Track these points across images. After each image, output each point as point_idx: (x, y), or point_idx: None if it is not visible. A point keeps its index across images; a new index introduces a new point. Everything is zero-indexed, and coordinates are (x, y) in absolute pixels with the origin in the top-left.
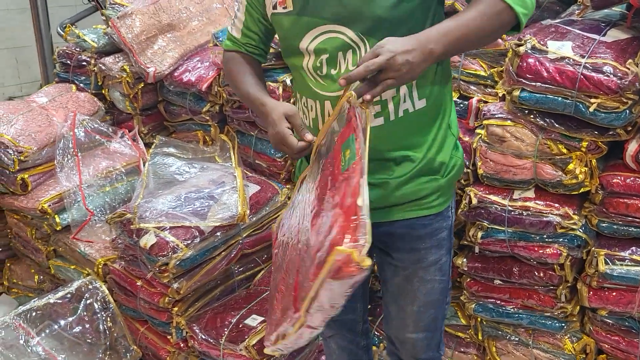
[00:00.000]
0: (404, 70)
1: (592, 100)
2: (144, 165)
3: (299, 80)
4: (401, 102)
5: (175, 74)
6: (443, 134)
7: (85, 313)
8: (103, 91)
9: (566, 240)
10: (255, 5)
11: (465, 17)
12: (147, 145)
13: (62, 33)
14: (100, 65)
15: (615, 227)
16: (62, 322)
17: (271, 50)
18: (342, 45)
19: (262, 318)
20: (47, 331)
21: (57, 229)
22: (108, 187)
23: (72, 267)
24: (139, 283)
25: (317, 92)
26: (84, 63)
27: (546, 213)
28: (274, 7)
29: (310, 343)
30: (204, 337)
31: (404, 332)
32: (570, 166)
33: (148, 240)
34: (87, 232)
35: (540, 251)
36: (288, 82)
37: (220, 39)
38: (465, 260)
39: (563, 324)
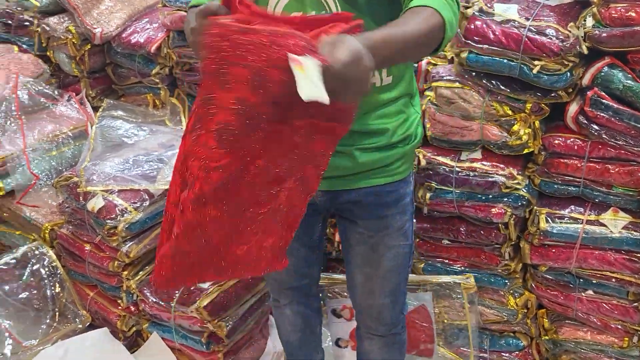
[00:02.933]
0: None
1: (536, 62)
2: (91, 129)
3: None
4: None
5: (123, 35)
6: (408, 110)
7: (31, 279)
8: (48, 53)
9: (510, 200)
10: None
11: (411, 29)
12: (95, 109)
13: None
14: (44, 25)
15: (555, 186)
16: (7, 289)
17: None
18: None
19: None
20: None
21: (1, 194)
22: (54, 151)
23: (18, 232)
24: (87, 247)
25: None
26: (27, 23)
27: (492, 173)
28: None
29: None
30: (155, 300)
31: (370, 299)
32: (515, 127)
33: (96, 204)
34: (33, 197)
35: (486, 211)
36: None
37: (171, 0)
38: (414, 221)
39: (506, 281)
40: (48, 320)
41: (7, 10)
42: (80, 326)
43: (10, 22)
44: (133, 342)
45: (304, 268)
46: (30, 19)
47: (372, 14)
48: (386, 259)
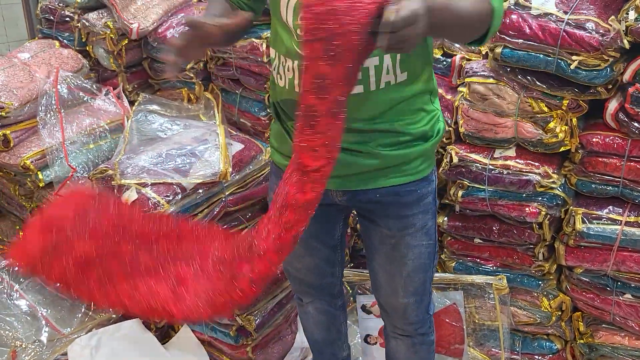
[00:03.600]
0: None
1: (574, 57)
2: (127, 123)
3: (276, 36)
4: (384, 73)
5: (159, 30)
6: (428, 107)
7: None
8: (87, 48)
9: (545, 199)
10: None
11: (464, 3)
12: (132, 103)
13: None
14: (84, 21)
15: (593, 186)
16: None
17: None
18: None
19: None
20: (30, 285)
21: (40, 185)
22: (92, 144)
23: None
24: None
25: (296, 50)
26: (67, 19)
27: (526, 172)
28: None
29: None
30: None
31: (394, 298)
32: (551, 125)
33: (129, 196)
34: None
35: (520, 210)
36: None
37: None
38: (445, 219)
39: (540, 282)
40: (83, 309)
41: (50, 6)
42: (113, 316)
43: (52, 18)
44: (164, 334)
45: (325, 267)
46: (71, 14)
47: None
48: (409, 258)
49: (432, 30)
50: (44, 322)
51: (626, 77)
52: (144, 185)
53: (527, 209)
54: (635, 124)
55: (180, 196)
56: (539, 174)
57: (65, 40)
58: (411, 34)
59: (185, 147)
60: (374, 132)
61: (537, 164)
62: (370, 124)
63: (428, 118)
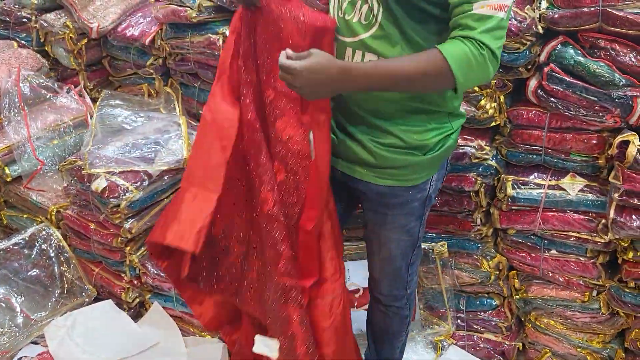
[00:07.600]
0: (300, 91)
1: None
2: (91, 119)
3: None
4: None
5: (119, 29)
6: (438, 124)
7: (39, 258)
8: (46, 48)
9: (480, 170)
10: None
11: (405, 65)
12: (94, 100)
13: None
14: (42, 21)
15: (520, 155)
16: (17, 267)
17: (210, 3)
18: None
19: None
20: (2, 277)
21: (8, 180)
22: (57, 139)
23: (25, 216)
24: (92, 226)
25: (337, 36)
26: (25, 20)
27: (462, 145)
28: None
29: None
30: (156, 272)
31: (372, 271)
32: (482, 102)
33: (99, 184)
34: (39, 182)
35: (458, 180)
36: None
37: None
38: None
39: (479, 245)
40: (56, 296)
41: (5, 8)
42: (86, 300)
43: (8, 19)
44: (137, 313)
45: None
46: (28, 15)
47: (411, 27)
48: (386, 247)
49: (371, 88)
50: (18, 309)
51: (542, 58)
52: (112, 173)
53: (464, 179)
54: (552, 99)
55: (147, 182)
56: (474, 147)
57: (22, 41)
58: (290, 82)
59: (150, 138)
60: (372, 127)
61: (471, 138)
62: (372, 117)
63: (435, 133)
